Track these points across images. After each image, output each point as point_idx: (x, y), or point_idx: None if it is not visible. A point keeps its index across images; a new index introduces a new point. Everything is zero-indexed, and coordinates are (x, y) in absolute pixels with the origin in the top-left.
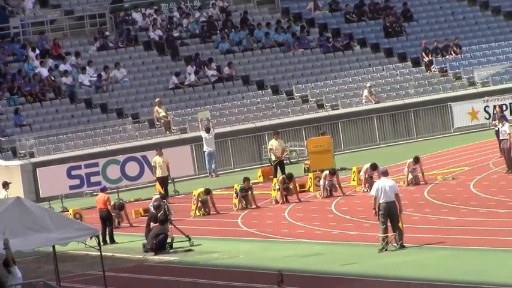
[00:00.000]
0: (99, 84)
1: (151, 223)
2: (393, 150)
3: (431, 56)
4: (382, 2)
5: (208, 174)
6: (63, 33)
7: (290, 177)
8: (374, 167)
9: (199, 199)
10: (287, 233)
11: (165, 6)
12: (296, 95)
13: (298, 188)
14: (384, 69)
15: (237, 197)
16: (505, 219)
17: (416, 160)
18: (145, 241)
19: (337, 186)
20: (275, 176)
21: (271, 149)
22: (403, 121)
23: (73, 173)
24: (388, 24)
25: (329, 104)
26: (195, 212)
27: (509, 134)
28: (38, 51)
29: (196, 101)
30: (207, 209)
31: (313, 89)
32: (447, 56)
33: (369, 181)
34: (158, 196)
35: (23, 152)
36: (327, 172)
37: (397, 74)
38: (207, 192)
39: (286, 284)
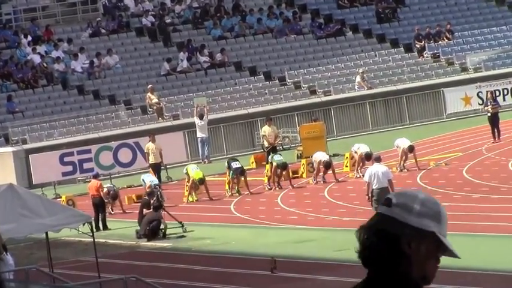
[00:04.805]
0: (91, 71)
1: (144, 209)
2: (386, 136)
3: (424, 41)
4: None
5: (201, 161)
6: (56, 19)
7: (284, 167)
8: (368, 157)
9: (194, 183)
10: (280, 219)
11: None
12: (288, 81)
13: (291, 174)
14: (376, 55)
15: (229, 183)
16: (497, 205)
17: (411, 149)
18: (138, 227)
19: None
20: (268, 162)
21: (264, 135)
22: (395, 107)
23: (66, 159)
24: (380, 9)
25: (321, 90)
26: (188, 198)
27: None
28: (30, 38)
29: (188, 88)
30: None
31: (305, 75)
32: (439, 42)
33: (363, 162)
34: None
35: (16, 138)
36: (321, 159)
37: (390, 60)
38: (201, 182)
39: (280, 270)
